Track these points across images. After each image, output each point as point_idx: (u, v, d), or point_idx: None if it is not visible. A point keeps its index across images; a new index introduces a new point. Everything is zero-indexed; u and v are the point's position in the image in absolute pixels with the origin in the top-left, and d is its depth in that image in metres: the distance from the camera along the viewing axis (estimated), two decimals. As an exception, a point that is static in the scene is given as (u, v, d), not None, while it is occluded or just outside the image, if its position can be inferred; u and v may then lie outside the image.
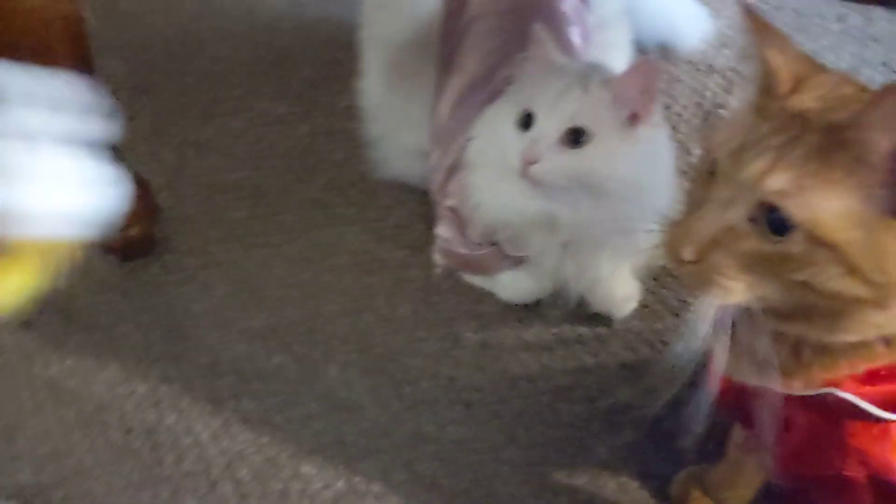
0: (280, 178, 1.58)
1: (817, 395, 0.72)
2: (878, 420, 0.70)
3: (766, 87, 0.68)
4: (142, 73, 1.84)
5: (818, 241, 0.61)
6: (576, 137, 1.10)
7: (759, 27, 0.70)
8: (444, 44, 1.50)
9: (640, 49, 1.66)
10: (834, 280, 0.62)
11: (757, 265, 0.65)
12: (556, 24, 1.43)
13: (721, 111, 1.61)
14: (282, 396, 1.25)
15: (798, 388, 0.72)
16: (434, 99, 1.45)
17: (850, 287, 0.62)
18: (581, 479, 1.13)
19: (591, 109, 1.09)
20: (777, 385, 0.70)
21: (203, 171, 1.60)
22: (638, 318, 1.30)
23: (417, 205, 1.50)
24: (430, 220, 1.43)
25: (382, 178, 1.54)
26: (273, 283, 1.40)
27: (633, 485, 1.12)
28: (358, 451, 1.18)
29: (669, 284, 1.34)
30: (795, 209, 0.62)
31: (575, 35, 1.44)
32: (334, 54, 1.82)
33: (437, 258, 1.39)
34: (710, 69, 1.71)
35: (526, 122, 1.12)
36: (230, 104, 1.74)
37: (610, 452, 1.15)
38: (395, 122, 1.54)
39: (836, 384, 0.71)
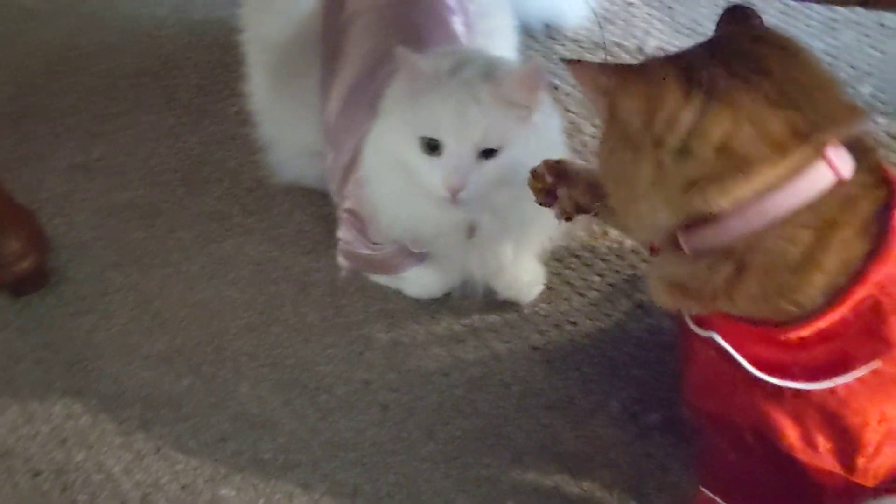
0: (174, 193, 1.53)
1: (706, 335, 0.76)
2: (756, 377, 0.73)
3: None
4: (22, 96, 1.76)
5: None
6: (489, 151, 1.10)
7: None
8: (326, 41, 1.47)
9: (526, 29, 1.67)
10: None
11: None
12: (438, 13, 1.43)
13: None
14: (193, 420, 1.22)
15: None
16: (321, 98, 1.43)
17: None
18: (501, 467, 1.13)
19: (494, 123, 1.09)
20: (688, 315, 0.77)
21: (94, 193, 1.55)
22: (545, 301, 1.32)
23: (317, 207, 1.48)
24: (331, 223, 1.42)
25: (279, 183, 1.51)
26: (175, 304, 1.36)
27: (552, 467, 1.13)
28: (276, 468, 1.16)
29: (573, 265, 1.35)
30: None
31: (458, 24, 1.44)
32: (221, 58, 1.78)
33: (341, 261, 1.37)
34: (595, 46, 1.72)
35: (431, 144, 1.11)
36: (117, 121, 1.69)
37: (527, 437, 1.16)
38: (285, 124, 1.51)
39: (725, 332, 0.74)
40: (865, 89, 1.57)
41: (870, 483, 0.75)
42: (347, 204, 1.32)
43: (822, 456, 0.74)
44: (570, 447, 1.14)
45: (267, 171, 1.52)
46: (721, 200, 0.68)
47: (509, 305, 1.31)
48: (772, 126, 0.67)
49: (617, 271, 1.34)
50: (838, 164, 0.68)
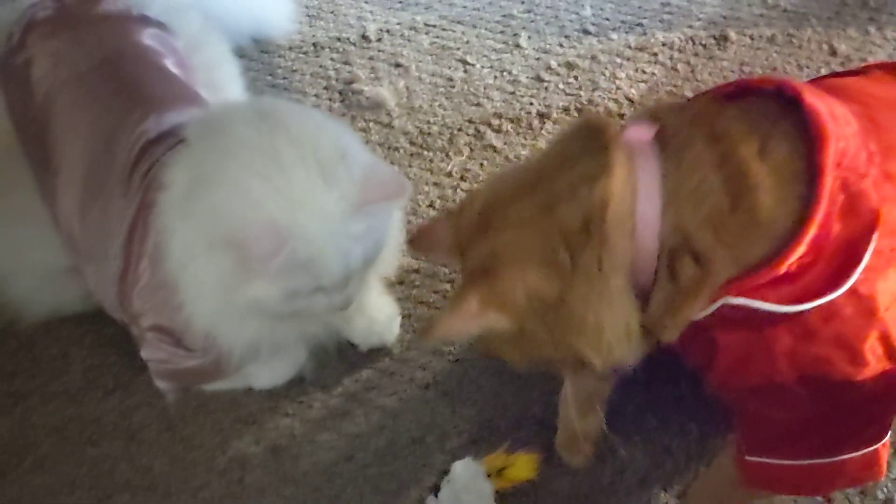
0: None
1: (716, 310, 0.71)
2: (784, 316, 0.69)
3: None
4: None
5: None
6: None
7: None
8: (25, 139, 1.19)
9: (235, 46, 1.48)
10: None
11: None
12: (150, 61, 1.20)
13: (353, 85, 1.50)
14: None
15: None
16: (49, 206, 1.15)
17: None
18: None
19: (360, 245, 0.93)
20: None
21: None
22: (409, 332, 1.18)
23: (96, 334, 1.20)
24: (124, 344, 1.15)
25: (32, 323, 1.20)
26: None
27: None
28: None
29: (416, 282, 1.23)
30: None
31: (171, 65, 1.22)
32: None
33: (161, 384, 1.12)
34: (317, 47, 1.58)
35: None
36: None
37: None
38: (11, 252, 1.20)
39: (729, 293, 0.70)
40: (586, 12, 1.61)
41: None
42: (148, 321, 1.07)
43: (873, 365, 0.71)
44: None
45: (7, 315, 1.20)
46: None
47: (376, 353, 1.16)
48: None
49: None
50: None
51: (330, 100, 1.48)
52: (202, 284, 0.97)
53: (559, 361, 0.76)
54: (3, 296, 1.20)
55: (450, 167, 1.37)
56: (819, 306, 0.68)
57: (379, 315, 1.16)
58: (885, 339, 0.71)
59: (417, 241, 0.85)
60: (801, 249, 0.66)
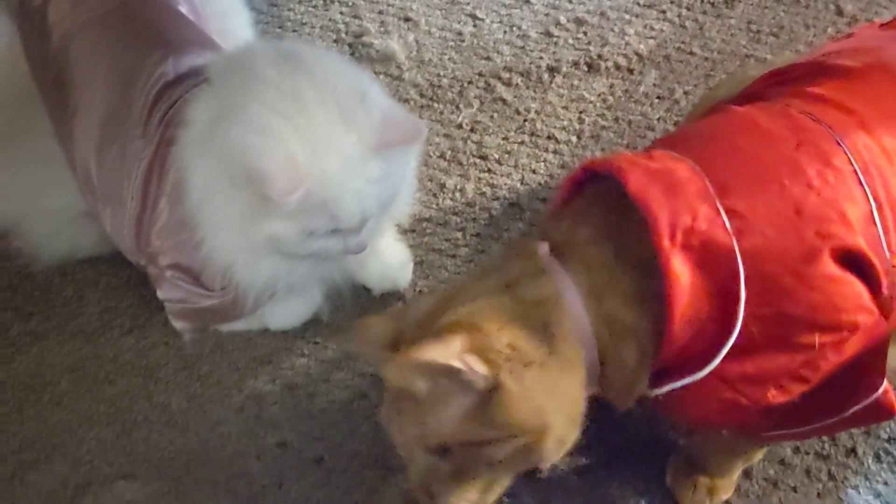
0: (-90, 329, 1.17)
1: (658, 392, 0.78)
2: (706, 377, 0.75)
3: None
4: None
5: None
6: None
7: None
8: (42, 82, 1.19)
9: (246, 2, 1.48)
10: None
11: None
12: (166, 6, 1.21)
13: (363, 38, 1.50)
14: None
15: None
16: (65, 149, 1.16)
17: None
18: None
19: (376, 189, 0.95)
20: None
21: None
22: (421, 277, 1.20)
23: (111, 276, 1.22)
24: (140, 287, 1.17)
25: (48, 266, 1.21)
26: (-7, 460, 1.05)
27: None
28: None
29: (428, 230, 1.25)
30: None
31: (186, 12, 1.23)
32: None
33: (179, 324, 1.14)
34: (326, 1, 1.58)
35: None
36: None
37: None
38: (27, 196, 1.21)
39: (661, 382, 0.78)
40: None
41: None
42: (167, 259, 1.09)
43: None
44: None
45: (24, 257, 1.21)
46: None
47: (388, 298, 1.18)
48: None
49: (473, 219, 1.26)
50: None
51: (339, 53, 1.49)
52: (221, 221, 0.99)
53: (497, 455, 0.75)
54: (20, 239, 1.21)
55: (460, 119, 1.38)
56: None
57: (392, 260, 1.18)
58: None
59: (358, 335, 0.82)
60: (675, 321, 0.72)
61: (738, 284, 0.72)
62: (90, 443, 1.06)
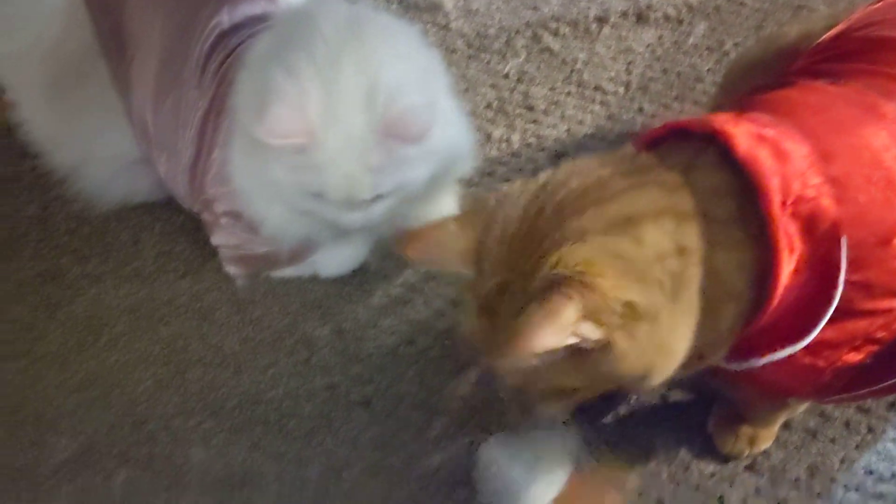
0: (-26, 269, 1.22)
1: (748, 365, 0.78)
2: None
3: None
4: None
5: None
6: None
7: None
8: (101, 29, 1.20)
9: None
10: None
11: None
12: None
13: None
14: (156, 515, 1.00)
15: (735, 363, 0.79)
16: (122, 95, 1.18)
17: None
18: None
19: (372, 177, 0.94)
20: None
21: None
22: (467, 228, 1.21)
23: (166, 222, 1.25)
24: (194, 232, 1.20)
25: (105, 211, 1.25)
26: (55, 396, 1.09)
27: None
28: (286, 521, 0.99)
29: (474, 180, 1.26)
30: None
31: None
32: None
33: (232, 269, 1.17)
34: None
35: None
36: None
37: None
38: (85, 141, 1.23)
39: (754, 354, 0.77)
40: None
41: None
42: (222, 206, 1.11)
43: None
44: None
45: (82, 202, 1.24)
46: None
47: (435, 246, 1.19)
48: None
49: (519, 170, 1.27)
50: None
51: (388, 1, 1.49)
52: (244, 157, 1.01)
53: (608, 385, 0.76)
54: (78, 184, 1.24)
55: (507, 69, 1.38)
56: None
57: (438, 210, 1.19)
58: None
59: (411, 246, 0.77)
60: (778, 293, 0.70)
61: (839, 254, 0.71)
62: (147, 382, 1.10)
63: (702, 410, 1.02)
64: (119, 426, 1.07)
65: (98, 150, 1.23)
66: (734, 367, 0.79)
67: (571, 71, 1.37)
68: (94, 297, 1.18)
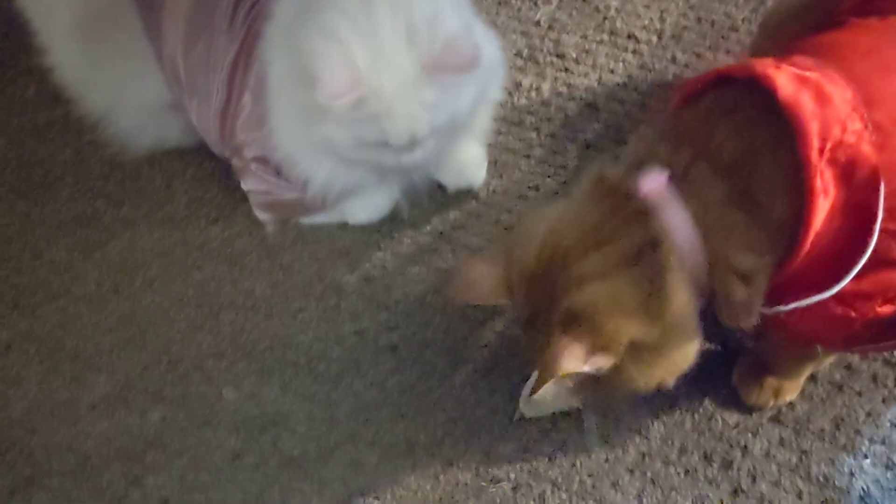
0: (13, 212, 1.24)
1: (776, 311, 0.79)
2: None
3: None
4: None
5: None
6: None
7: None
8: (131, -25, 1.21)
9: None
10: None
11: None
12: None
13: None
14: (190, 451, 1.04)
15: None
16: (153, 43, 1.18)
17: None
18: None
19: (430, 113, 0.95)
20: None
21: None
22: (496, 177, 1.22)
23: (197, 168, 1.26)
24: (225, 178, 1.21)
25: (137, 156, 1.27)
26: (91, 335, 1.13)
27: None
28: (312, 460, 1.02)
29: (503, 130, 1.25)
30: None
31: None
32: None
33: (262, 215, 1.19)
34: None
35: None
36: None
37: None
38: (116, 86, 1.24)
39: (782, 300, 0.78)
40: None
41: None
42: (252, 152, 1.12)
43: None
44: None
45: (114, 147, 1.26)
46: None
47: (463, 196, 1.20)
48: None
49: (549, 119, 1.26)
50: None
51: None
52: (286, 116, 1.02)
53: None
54: (110, 129, 1.26)
55: (538, 16, 1.36)
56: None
57: (467, 159, 1.19)
58: None
59: (461, 292, 0.85)
60: (809, 240, 0.70)
61: (877, 202, 0.70)
62: (181, 323, 1.13)
63: (726, 361, 1.03)
64: (154, 365, 1.10)
65: (129, 95, 1.24)
66: (763, 310, 0.79)
67: (604, 18, 1.35)
68: (128, 241, 1.20)
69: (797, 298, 0.76)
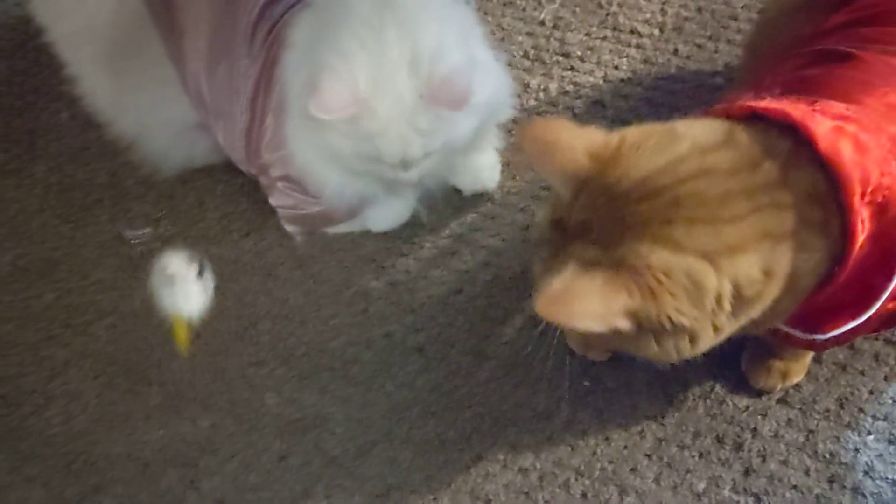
0: (57, 236, 1.32)
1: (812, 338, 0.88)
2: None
3: None
4: None
5: None
6: None
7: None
8: (153, 3, 1.27)
9: None
10: None
11: None
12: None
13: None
14: (240, 455, 1.12)
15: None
16: (176, 68, 1.25)
17: None
18: (564, 353, 1.12)
19: (424, 139, 1.01)
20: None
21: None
22: (509, 178, 1.28)
23: (226, 184, 1.33)
24: (254, 193, 1.28)
25: (169, 175, 1.34)
26: (140, 349, 1.21)
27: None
28: (352, 458, 1.10)
29: (513, 131, 1.31)
30: None
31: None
32: (13, 65, 1.50)
33: (290, 229, 1.26)
34: None
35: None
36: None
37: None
38: (146, 110, 1.31)
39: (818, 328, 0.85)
40: None
41: None
42: (277, 171, 1.19)
43: None
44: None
45: (147, 168, 1.33)
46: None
47: (478, 199, 1.26)
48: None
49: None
50: None
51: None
52: (298, 125, 1.09)
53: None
54: (142, 150, 1.33)
55: (542, 16, 1.41)
56: None
57: (481, 163, 1.25)
58: None
59: (532, 137, 0.77)
60: (845, 274, 0.76)
61: None
62: (222, 334, 1.21)
63: (735, 348, 1.09)
64: (200, 375, 1.18)
65: (157, 118, 1.31)
66: (797, 335, 0.85)
67: (607, 14, 1.39)
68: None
69: (835, 326, 0.82)
